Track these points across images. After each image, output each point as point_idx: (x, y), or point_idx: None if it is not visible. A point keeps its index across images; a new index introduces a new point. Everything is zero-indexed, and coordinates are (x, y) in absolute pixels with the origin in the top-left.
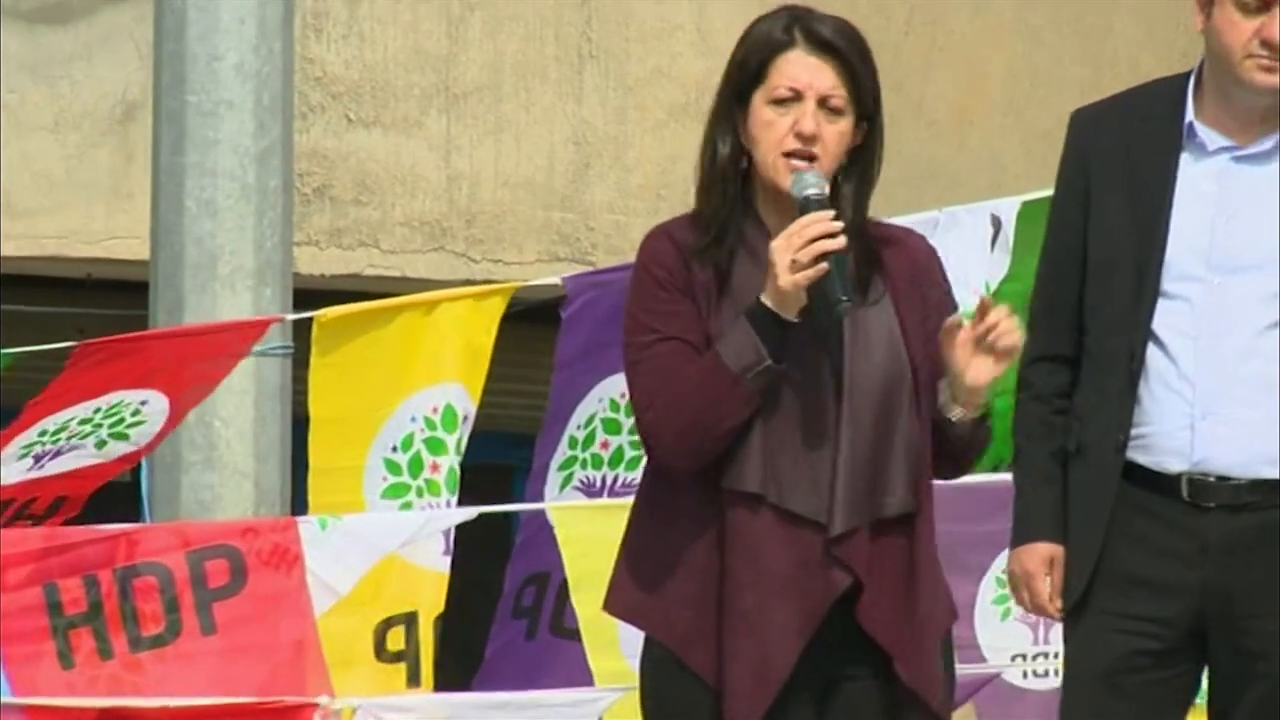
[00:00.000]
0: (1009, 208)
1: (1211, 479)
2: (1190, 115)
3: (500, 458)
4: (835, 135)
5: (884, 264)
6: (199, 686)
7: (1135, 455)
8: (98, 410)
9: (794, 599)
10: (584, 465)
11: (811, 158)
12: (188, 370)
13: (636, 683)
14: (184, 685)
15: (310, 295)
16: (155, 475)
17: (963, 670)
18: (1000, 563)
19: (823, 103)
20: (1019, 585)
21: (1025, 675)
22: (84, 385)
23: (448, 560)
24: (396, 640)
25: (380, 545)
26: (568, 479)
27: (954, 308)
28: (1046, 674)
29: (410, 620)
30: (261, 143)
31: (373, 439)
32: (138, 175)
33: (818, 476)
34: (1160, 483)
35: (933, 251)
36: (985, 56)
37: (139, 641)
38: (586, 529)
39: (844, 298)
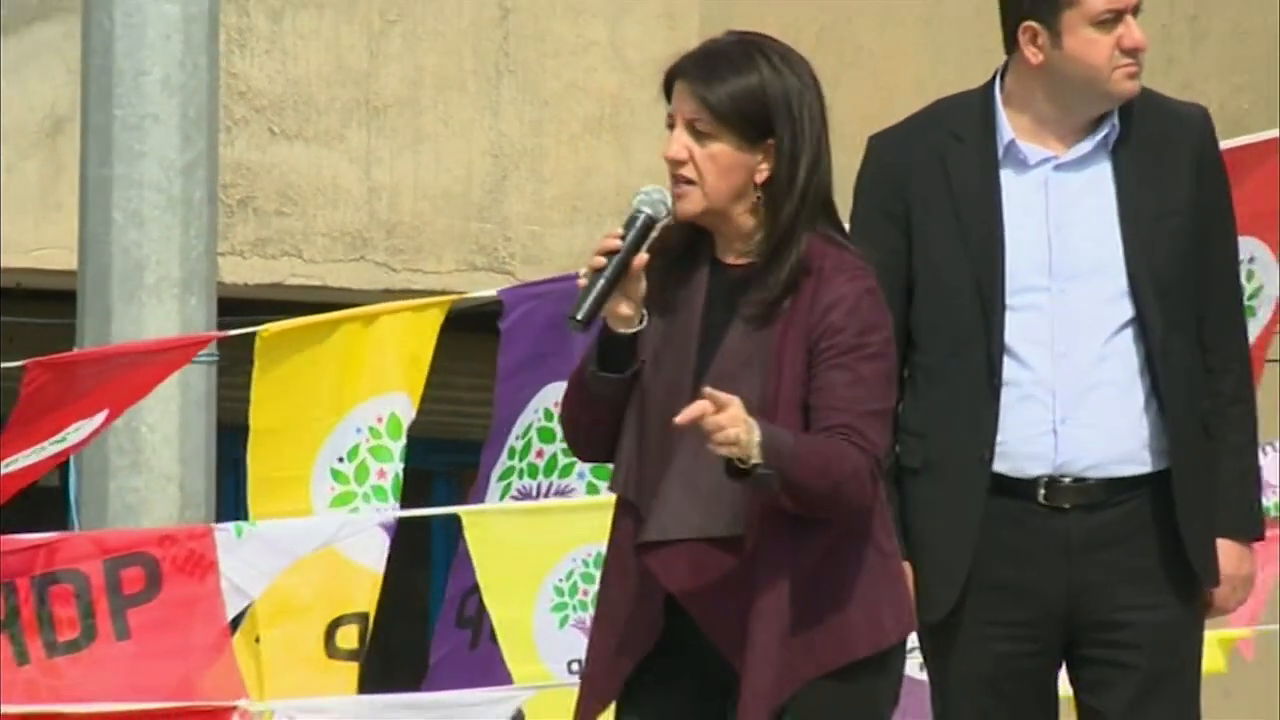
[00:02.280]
0: None
1: (1067, 480)
2: (1010, 134)
3: (419, 462)
4: (704, 157)
5: (798, 292)
6: (114, 690)
7: (994, 464)
8: (52, 441)
9: (649, 597)
10: (520, 475)
11: (687, 181)
12: (133, 394)
13: (551, 682)
14: (100, 689)
15: (234, 304)
16: (83, 480)
17: None
18: None
19: (691, 126)
20: None
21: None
22: (41, 428)
23: (384, 563)
24: (349, 639)
25: (294, 550)
26: (506, 489)
27: (843, 343)
28: None
29: (363, 620)
30: (187, 155)
31: (318, 450)
32: (66, 187)
33: (658, 486)
34: (1018, 488)
35: (850, 294)
36: (893, 71)
37: (55, 646)
38: (499, 532)
39: (575, 315)
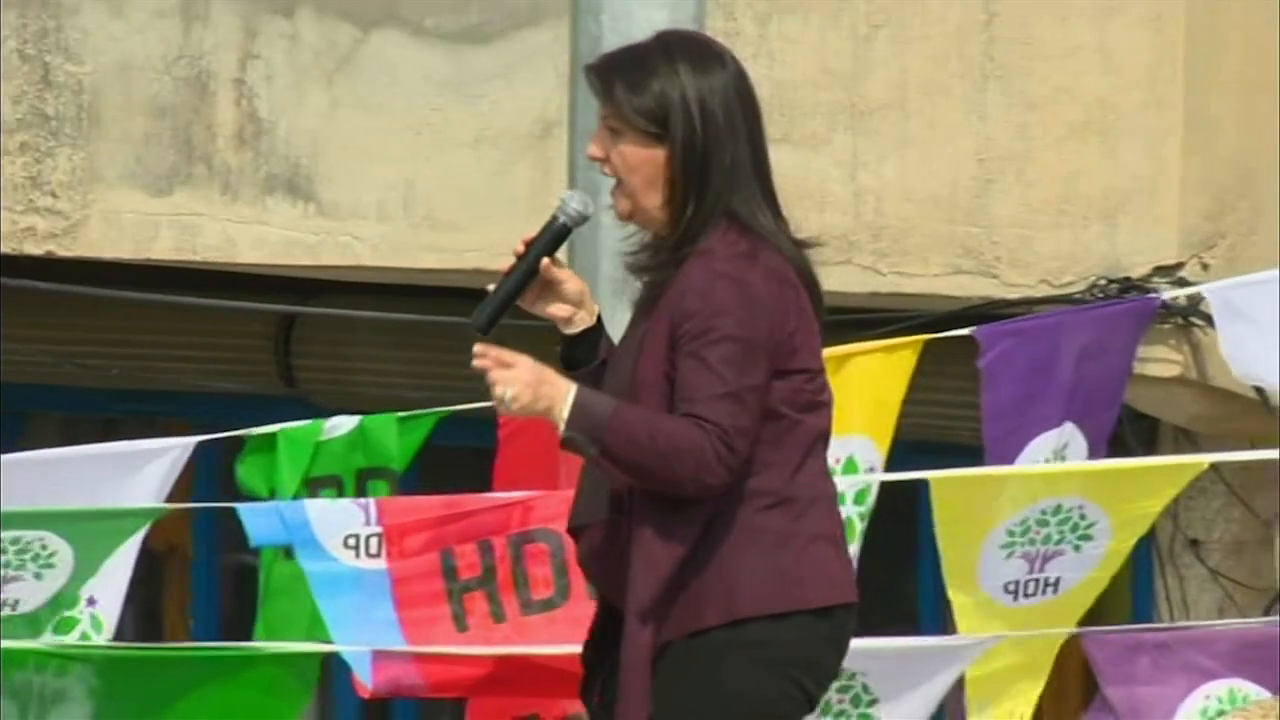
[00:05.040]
0: None
1: None
2: None
3: (904, 466)
4: (618, 155)
5: (673, 285)
6: None
7: None
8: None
9: None
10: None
11: (615, 180)
12: None
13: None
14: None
15: None
16: None
17: None
18: None
19: (607, 124)
20: None
21: None
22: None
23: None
24: None
25: None
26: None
27: (693, 329)
28: None
29: None
30: None
31: None
32: (555, 190)
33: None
34: None
35: (700, 280)
36: None
37: (530, 605)
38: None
39: (473, 317)
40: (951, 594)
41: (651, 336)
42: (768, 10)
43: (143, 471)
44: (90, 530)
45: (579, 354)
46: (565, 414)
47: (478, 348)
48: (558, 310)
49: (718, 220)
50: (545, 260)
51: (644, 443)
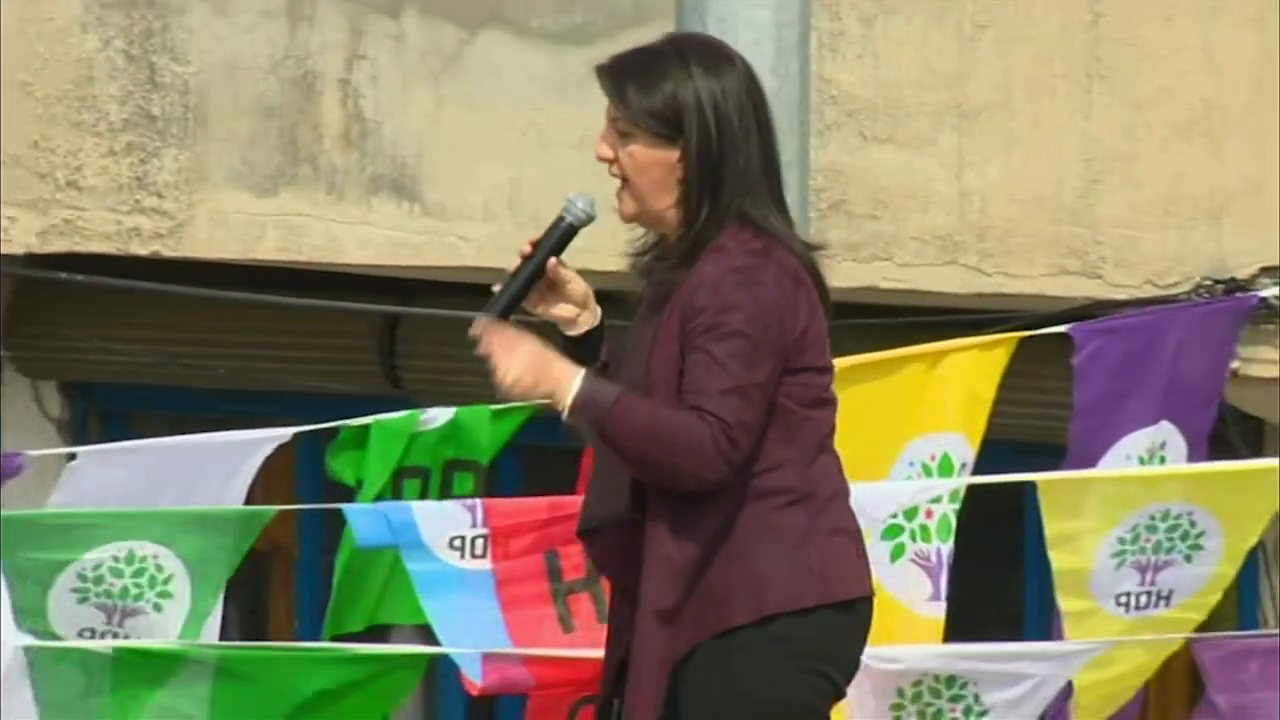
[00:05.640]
0: None
1: None
2: None
3: (1009, 467)
4: (625, 156)
5: (687, 276)
6: None
7: None
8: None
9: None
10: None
11: (620, 180)
12: None
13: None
14: None
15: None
16: None
17: None
18: None
19: (615, 125)
20: None
21: None
22: None
23: (938, 606)
24: None
25: (873, 516)
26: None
27: (702, 324)
28: None
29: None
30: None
31: (881, 480)
32: None
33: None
34: None
35: (712, 275)
36: None
37: None
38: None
39: (482, 316)
40: (1061, 600)
41: (664, 333)
42: (873, 10)
43: (243, 465)
44: (201, 547)
45: (581, 355)
46: (569, 401)
47: (479, 325)
48: (562, 311)
49: (729, 222)
50: (551, 261)
51: (645, 433)
